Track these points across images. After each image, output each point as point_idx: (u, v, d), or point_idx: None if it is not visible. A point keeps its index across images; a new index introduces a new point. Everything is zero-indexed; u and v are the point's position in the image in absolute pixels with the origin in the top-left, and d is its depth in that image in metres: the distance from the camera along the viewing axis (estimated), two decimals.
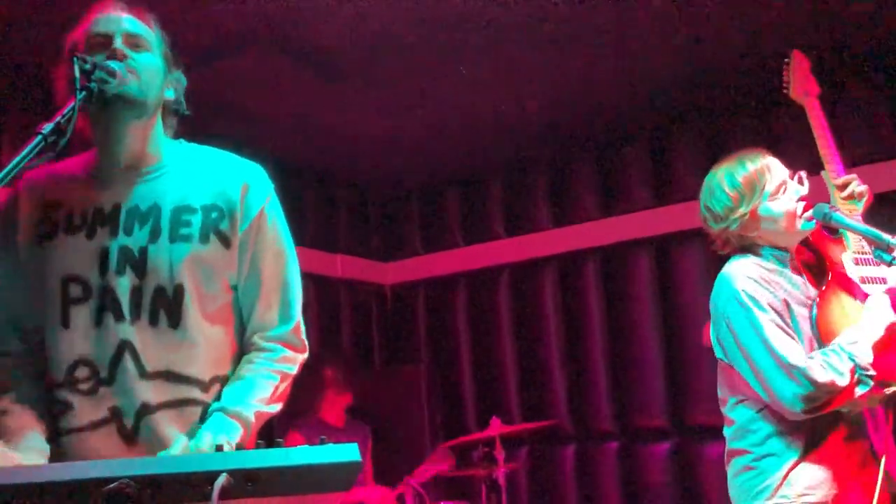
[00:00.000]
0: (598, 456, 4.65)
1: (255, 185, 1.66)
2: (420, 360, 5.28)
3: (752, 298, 1.94)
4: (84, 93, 1.41)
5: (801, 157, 4.03)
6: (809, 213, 2.04)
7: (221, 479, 1.07)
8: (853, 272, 2.06)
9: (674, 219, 4.52)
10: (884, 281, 2.04)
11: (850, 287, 2.03)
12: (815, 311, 2.00)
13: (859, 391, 1.87)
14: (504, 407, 4.83)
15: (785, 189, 2.05)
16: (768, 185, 2.04)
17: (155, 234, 1.56)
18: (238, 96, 3.82)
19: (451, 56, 3.68)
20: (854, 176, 2.14)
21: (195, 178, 1.63)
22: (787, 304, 1.97)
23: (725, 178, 2.08)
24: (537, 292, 4.97)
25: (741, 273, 2.00)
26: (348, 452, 1.13)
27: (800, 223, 2.04)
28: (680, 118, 4.53)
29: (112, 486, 1.06)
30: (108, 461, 1.16)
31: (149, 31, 1.60)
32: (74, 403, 1.53)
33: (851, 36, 3.77)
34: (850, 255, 2.10)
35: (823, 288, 2.04)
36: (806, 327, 1.98)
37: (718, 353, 2.08)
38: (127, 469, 1.08)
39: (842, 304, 2.00)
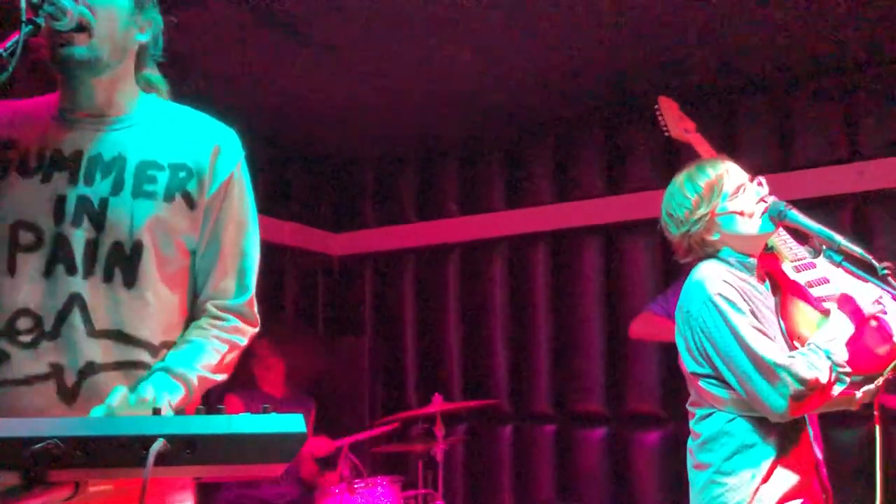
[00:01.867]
0: (535, 437, 4.69)
1: (227, 149, 1.59)
2: (364, 332, 5.25)
3: (728, 301, 1.92)
4: (30, 27, 1.31)
5: (756, 153, 4.20)
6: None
7: (158, 445, 1.03)
8: (798, 279, 2.10)
9: (625, 208, 4.56)
10: (826, 280, 2.08)
11: (803, 294, 2.06)
12: (780, 319, 2.02)
13: (837, 389, 1.88)
14: (445, 384, 4.84)
15: (744, 190, 2.07)
16: (727, 187, 2.06)
17: (117, 187, 1.48)
18: (194, 49, 3.69)
19: (417, 28, 3.61)
20: (765, 193, 2.18)
21: (165, 134, 1.56)
22: (756, 313, 1.96)
23: (685, 183, 2.10)
24: (485, 272, 4.97)
25: (714, 276, 1.98)
26: (293, 423, 1.09)
27: (759, 223, 2.04)
28: (636, 109, 4.56)
29: (39, 446, 1.00)
30: (37, 419, 1.10)
31: None
32: (12, 355, 1.44)
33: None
34: (790, 266, 2.14)
35: (779, 297, 2.07)
36: (773, 332, 1.97)
37: (689, 365, 2.04)
38: (57, 429, 1.03)
39: (802, 310, 2.03)
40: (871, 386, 1.95)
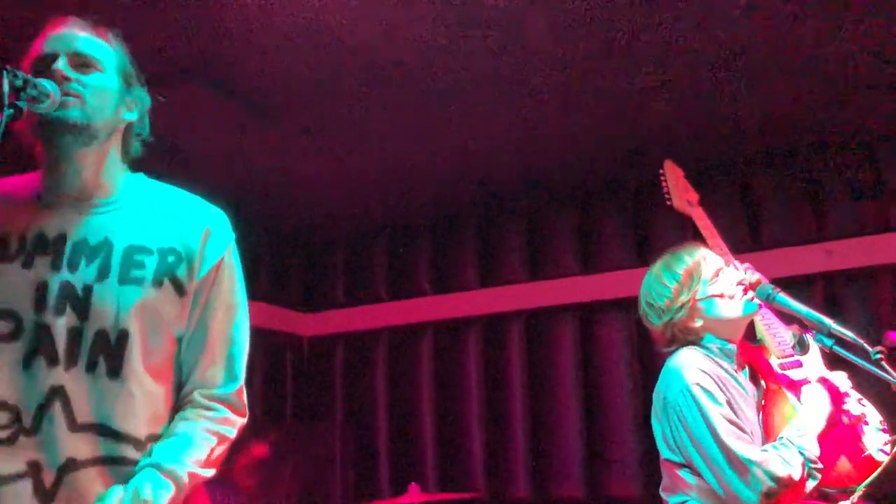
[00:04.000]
0: None
1: (217, 232, 1.54)
2: (335, 417, 5.09)
3: (705, 391, 1.91)
4: (12, 110, 1.27)
5: (724, 233, 4.25)
6: (752, 293, 2.05)
7: None
8: (782, 377, 2.09)
9: (599, 287, 4.56)
10: (808, 381, 2.08)
11: (786, 389, 2.05)
12: (759, 412, 2.00)
13: (810, 485, 1.87)
14: (419, 471, 4.68)
15: (722, 274, 2.08)
16: (705, 272, 2.07)
17: (103, 273, 1.41)
18: (162, 126, 3.65)
19: (387, 107, 3.64)
20: (747, 264, 2.17)
21: (153, 217, 1.50)
22: (732, 403, 1.95)
23: (663, 272, 2.10)
24: (460, 353, 4.89)
25: (691, 365, 1.96)
26: None
27: (741, 305, 2.04)
28: (608, 189, 4.61)
29: None
30: None
31: (103, 49, 1.48)
32: None
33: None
34: (776, 362, 2.13)
35: (762, 390, 2.06)
36: (749, 425, 1.96)
37: (663, 451, 2.02)
38: None
39: (784, 409, 2.02)
40: (847, 502, 1.94)
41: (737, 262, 2.23)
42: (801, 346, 2.18)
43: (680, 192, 2.66)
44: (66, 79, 1.40)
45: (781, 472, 1.83)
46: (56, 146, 1.43)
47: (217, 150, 4.01)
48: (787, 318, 2.22)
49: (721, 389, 1.92)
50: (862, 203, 4.04)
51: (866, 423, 2.06)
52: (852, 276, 4.07)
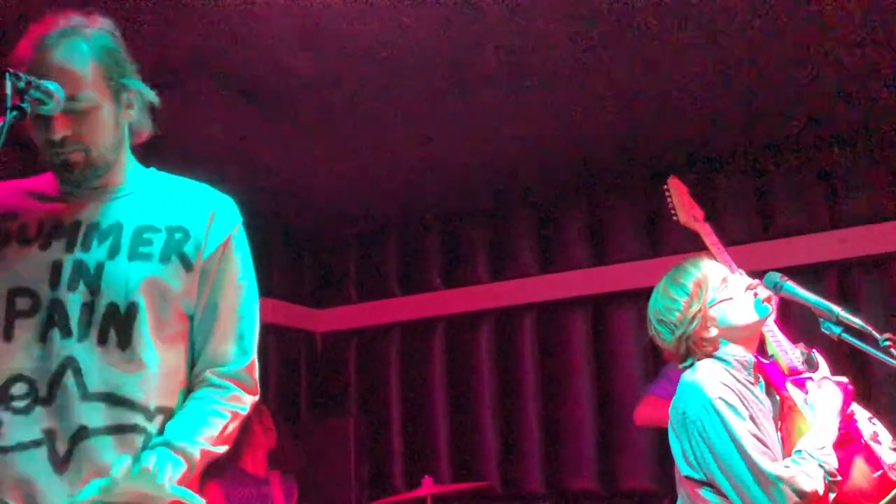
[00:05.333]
0: None
1: (224, 213, 1.60)
2: (349, 412, 5.11)
3: (729, 405, 1.87)
4: (15, 112, 1.30)
5: (739, 220, 4.23)
6: (764, 294, 2.03)
7: None
8: (795, 395, 2.07)
9: (611, 279, 4.55)
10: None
11: (798, 404, 2.04)
12: (779, 428, 1.99)
13: (830, 497, 1.84)
14: (433, 465, 4.70)
15: (729, 281, 2.07)
16: (712, 281, 2.05)
17: (114, 251, 1.48)
18: (176, 127, 3.68)
19: (397, 103, 3.65)
20: (757, 282, 2.13)
21: (162, 200, 1.57)
22: (754, 418, 1.92)
23: (670, 287, 2.08)
24: (472, 346, 4.90)
25: (712, 378, 1.92)
26: None
27: (753, 309, 2.02)
28: (619, 180, 4.60)
29: None
30: None
31: (84, 69, 1.45)
32: (5, 421, 1.40)
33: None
34: (788, 378, 2.11)
35: (778, 406, 2.04)
36: (770, 440, 1.93)
37: (683, 468, 1.96)
38: None
39: (800, 424, 2.00)
40: None
41: (743, 272, 2.21)
42: (810, 364, 2.16)
43: (685, 208, 2.69)
44: (63, 141, 1.44)
45: (808, 487, 1.80)
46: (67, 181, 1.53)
47: (228, 148, 4.04)
48: (794, 335, 2.22)
49: (743, 404, 1.89)
50: (874, 190, 4.01)
51: (878, 442, 2.03)
52: (866, 263, 4.04)
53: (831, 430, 1.94)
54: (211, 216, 1.57)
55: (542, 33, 3.10)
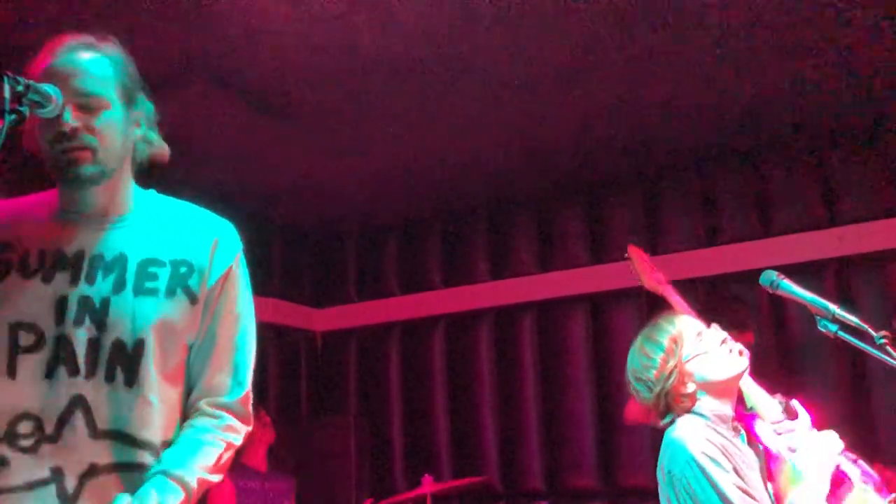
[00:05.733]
0: None
1: (226, 242, 1.59)
2: (349, 411, 5.12)
3: (712, 459, 1.86)
4: (14, 116, 1.29)
5: (738, 219, 4.23)
6: (737, 350, 2.03)
7: None
8: (779, 443, 2.07)
9: (609, 277, 4.55)
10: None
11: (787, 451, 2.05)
12: (765, 479, 1.98)
13: None
14: (434, 463, 4.71)
15: (703, 334, 2.07)
16: (688, 335, 2.06)
17: (119, 286, 1.46)
18: (176, 128, 3.68)
19: (396, 105, 3.65)
20: (726, 335, 2.13)
21: (165, 231, 1.55)
22: (738, 471, 1.91)
23: (646, 345, 2.08)
24: (472, 345, 4.91)
25: (695, 435, 1.92)
26: None
27: (728, 362, 2.02)
28: (617, 179, 4.61)
29: None
30: None
31: (105, 76, 1.47)
32: (11, 460, 1.39)
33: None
34: (769, 428, 2.11)
35: (762, 458, 2.04)
36: (758, 492, 1.92)
37: None
38: None
39: (794, 470, 2.00)
40: None
41: (716, 326, 2.21)
42: (789, 413, 2.16)
43: (647, 273, 2.68)
44: (74, 131, 1.42)
45: None
46: (70, 184, 1.49)
47: (229, 148, 4.04)
48: (771, 386, 2.22)
49: (726, 457, 1.88)
50: (873, 187, 4.02)
51: (866, 482, 2.03)
52: (864, 260, 4.04)
53: (822, 489, 1.93)
54: (214, 245, 1.56)
55: (542, 34, 3.11)
